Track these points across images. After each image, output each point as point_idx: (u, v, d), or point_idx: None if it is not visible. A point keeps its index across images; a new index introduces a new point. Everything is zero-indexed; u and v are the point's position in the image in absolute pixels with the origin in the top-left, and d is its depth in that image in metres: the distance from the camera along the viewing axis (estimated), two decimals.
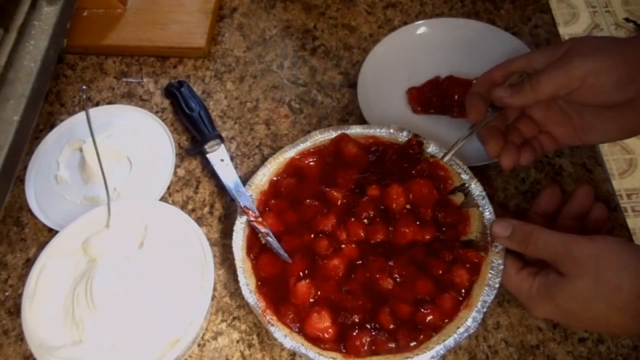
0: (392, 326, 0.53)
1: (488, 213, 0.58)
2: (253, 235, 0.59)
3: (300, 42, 0.80)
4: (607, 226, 0.59)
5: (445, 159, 0.61)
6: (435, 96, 0.70)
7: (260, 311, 0.54)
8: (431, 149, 0.62)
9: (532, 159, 0.59)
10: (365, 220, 0.58)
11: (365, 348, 0.52)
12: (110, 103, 0.75)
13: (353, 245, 0.57)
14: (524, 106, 0.58)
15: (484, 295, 0.53)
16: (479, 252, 0.56)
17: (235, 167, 0.68)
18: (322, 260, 0.57)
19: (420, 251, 0.57)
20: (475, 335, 0.57)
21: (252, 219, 0.59)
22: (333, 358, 0.52)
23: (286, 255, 0.57)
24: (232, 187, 0.64)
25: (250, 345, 0.58)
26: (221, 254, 0.64)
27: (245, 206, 0.60)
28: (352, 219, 0.58)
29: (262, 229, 0.58)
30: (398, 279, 0.55)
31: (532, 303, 0.52)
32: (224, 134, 0.71)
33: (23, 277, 0.62)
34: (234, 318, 0.60)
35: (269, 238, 0.58)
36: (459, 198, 0.59)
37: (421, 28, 0.77)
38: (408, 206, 0.59)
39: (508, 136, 0.60)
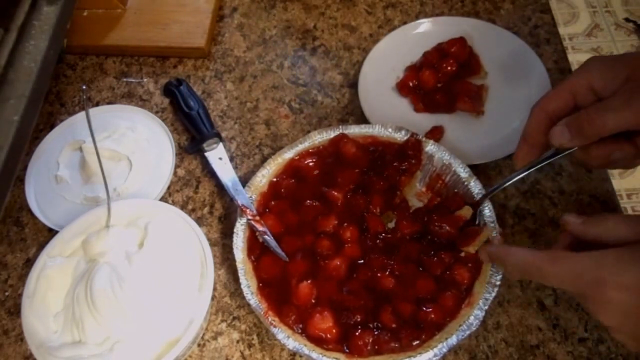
0: (394, 325, 0.53)
1: (488, 210, 0.58)
2: (254, 236, 0.59)
3: (300, 42, 0.80)
4: None
5: (484, 203, 0.58)
6: (440, 94, 0.71)
7: (262, 313, 0.54)
8: (429, 148, 0.62)
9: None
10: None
11: (368, 348, 0.52)
12: (110, 103, 0.75)
13: (355, 245, 0.58)
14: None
15: (486, 292, 0.53)
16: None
17: (235, 167, 0.68)
18: (323, 260, 0.57)
19: (415, 248, 0.57)
20: (475, 335, 0.57)
21: (249, 217, 0.59)
22: (336, 358, 0.52)
23: (283, 253, 0.57)
24: (230, 186, 0.64)
25: (250, 345, 0.58)
26: (221, 254, 0.64)
27: (243, 204, 0.60)
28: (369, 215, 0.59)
29: (260, 228, 0.58)
30: (399, 277, 0.56)
31: (613, 272, 0.43)
32: (224, 134, 0.71)
33: (23, 277, 0.62)
34: (234, 318, 0.60)
35: (266, 237, 0.58)
36: (466, 212, 0.58)
37: (421, 27, 0.77)
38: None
39: None
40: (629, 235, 0.45)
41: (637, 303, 0.42)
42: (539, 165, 0.54)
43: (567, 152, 0.52)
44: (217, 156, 0.67)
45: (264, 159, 0.66)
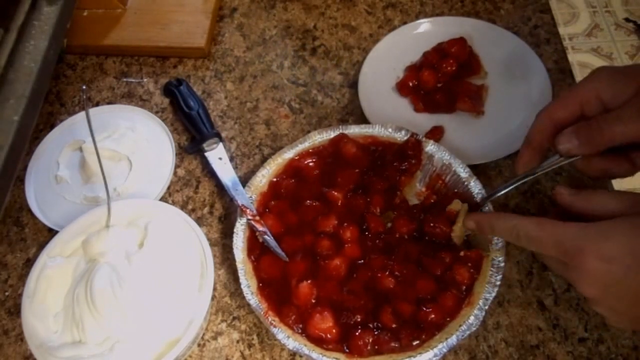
0: (394, 325, 0.53)
1: (487, 210, 0.58)
2: (254, 236, 0.59)
3: (300, 42, 0.80)
4: None
5: (487, 207, 0.58)
6: (440, 94, 0.71)
7: (262, 313, 0.54)
8: (429, 148, 0.62)
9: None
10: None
11: (368, 348, 0.52)
12: (110, 103, 0.75)
13: (355, 245, 0.57)
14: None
15: (486, 292, 0.53)
16: (479, 251, 0.56)
17: (235, 167, 0.68)
18: (323, 260, 0.57)
19: (415, 248, 0.57)
20: (475, 335, 0.57)
21: (249, 217, 0.59)
22: (336, 358, 0.52)
23: (283, 253, 0.57)
24: (230, 186, 0.64)
25: (250, 345, 0.58)
26: (221, 254, 0.64)
27: (242, 204, 0.60)
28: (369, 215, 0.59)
29: (260, 227, 0.58)
30: (399, 277, 0.56)
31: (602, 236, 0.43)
32: (224, 134, 0.71)
33: (23, 277, 0.62)
34: (234, 318, 0.60)
35: (266, 237, 0.58)
36: (455, 205, 0.58)
37: (421, 27, 0.77)
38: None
39: None
40: (617, 209, 0.46)
41: (619, 275, 0.42)
42: (542, 172, 0.54)
43: (570, 160, 0.52)
44: (217, 156, 0.67)
45: (264, 159, 0.66)
